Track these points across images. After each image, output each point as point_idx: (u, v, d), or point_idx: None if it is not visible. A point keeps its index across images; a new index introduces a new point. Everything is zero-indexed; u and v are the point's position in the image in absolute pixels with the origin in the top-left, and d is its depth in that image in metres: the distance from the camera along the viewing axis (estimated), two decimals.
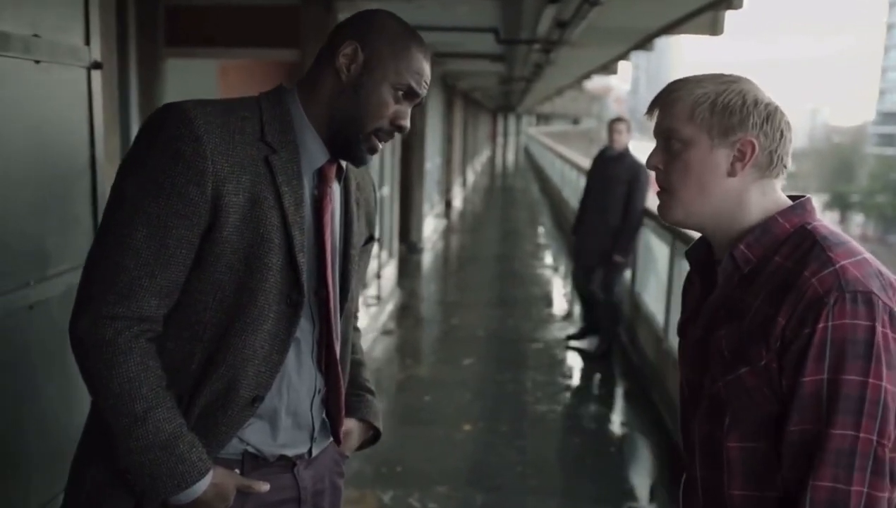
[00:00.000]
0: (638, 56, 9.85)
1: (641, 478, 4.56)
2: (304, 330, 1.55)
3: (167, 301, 1.43)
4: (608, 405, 5.53)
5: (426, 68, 1.54)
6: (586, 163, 9.65)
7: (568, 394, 5.60)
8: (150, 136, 1.43)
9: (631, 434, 5.06)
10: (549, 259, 11.54)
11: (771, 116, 1.31)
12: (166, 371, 1.45)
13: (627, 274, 6.71)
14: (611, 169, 6.12)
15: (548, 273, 10.47)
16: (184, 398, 1.47)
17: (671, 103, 1.35)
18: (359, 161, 1.56)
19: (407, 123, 1.54)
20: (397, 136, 1.58)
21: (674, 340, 5.14)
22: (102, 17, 2.29)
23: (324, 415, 1.66)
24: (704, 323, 1.38)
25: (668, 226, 5.53)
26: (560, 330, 7.35)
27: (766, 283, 1.28)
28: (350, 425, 1.74)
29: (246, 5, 5.05)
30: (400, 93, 1.51)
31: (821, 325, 1.20)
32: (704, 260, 1.44)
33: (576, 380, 5.87)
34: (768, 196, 1.35)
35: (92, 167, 2.29)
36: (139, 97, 4.74)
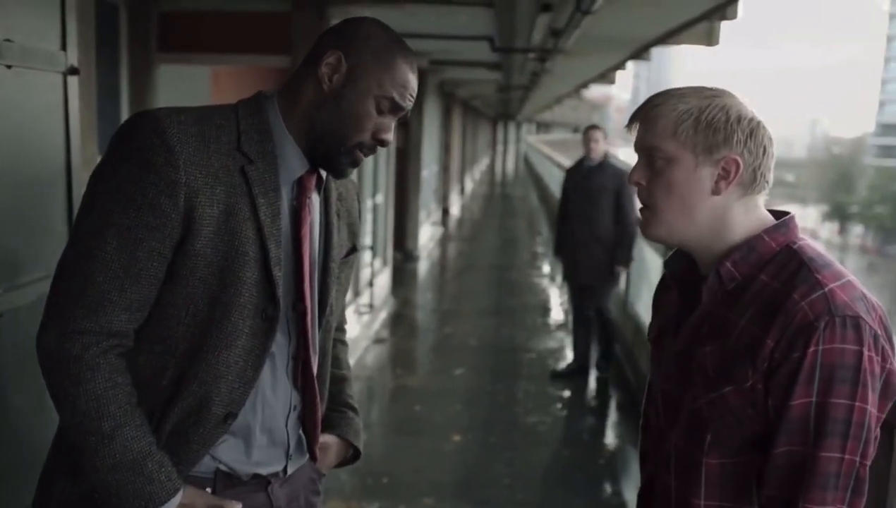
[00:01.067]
0: (638, 65, 9.86)
1: (632, 493, 4.51)
2: (280, 345, 1.51)
3: (138, 315, 1.40)
4: (600, 417, 5.49)
5: (412, 81, 1.49)
6: None
7: (560, 405, 5.56)
8: (122, 145, 1.40)
9: (623, 447, 5.02)
10: (546, 268, 11.50)
11: (754, 132, 1.30)
12: (136, 386, 1.41)
13: (621, 284, 6.58)
14: (593, 179, 5.81)
15: (544, 282, 10.43)
16: (154, 414, 1.43)
17: (653, 119, 1.33)
18: (339, 174, 1.53)
19: (389, 137, 1.50)
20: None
21: None
22: (80, 22, 2.26)
23: (300, 432, 1.62)
24: (686, 338, 1.37)
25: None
26: (555, 340, 7.31)
27: (752, 302, 1.28)
28: (328, 441, 1.70)
29: (238, 11, 5.04)
30: (383, 105, 1.46)
31: (811, 349, 1.20)
32: (684, 273, 1.43)
33: (568, 391, 5.81)
34: (752, 213, 1.33)
35: (67, 174, 2.25)
36: (130, 103, 4.72)
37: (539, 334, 7.58)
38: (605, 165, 5.82)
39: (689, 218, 1.32)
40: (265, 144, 1.46)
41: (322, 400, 1.63)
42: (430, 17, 5.57)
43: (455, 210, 17.68)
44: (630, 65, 9.83)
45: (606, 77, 11.65)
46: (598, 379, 6.05)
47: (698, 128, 1.29)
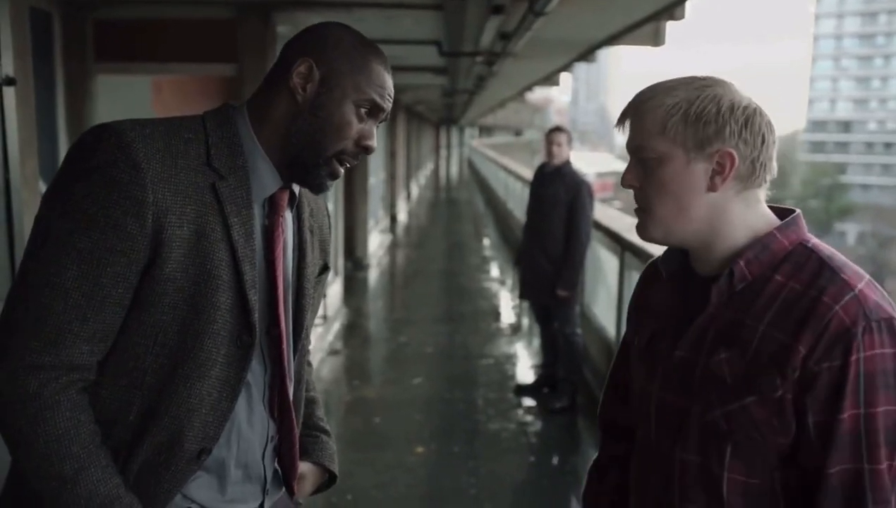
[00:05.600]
0: (576, 67, 9.90)
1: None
2: (255, 373, 1.42)
3: (101, 346, 1.28)
4: (561, 420, 5.42)
5: (388, 80, 1.42)
6: (529, 173, 9.59)
7: (520, 411, 5.49)
8: (81, 162, 1.27)
9: (586, 451, 4.98)
10: (495, 271, 11.48)
11: (749, 120, 1.22)
12: (100, 423, 1.30)
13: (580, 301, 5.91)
14: (548, 187, 5.24)
15: (494, 286, 10.40)
16: (121, 453, 1.32)
17: (641, 115, 1.26)
18: (318, 188, 1.43)
19: (373, 143, 1.41)
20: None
21: None
22: (14, 29, 2.10)
23: (276, 464, 1.52)
24: (691, 344, 1.28)
25: (616, 236, 5.48)
26: (510, 345, 7.26)
27: (770, 305, 1.21)
28: (304, 469, 1.61)
29: (180, 18, 4.87)
30: (363, 110, 1.38)
31: (853, 358, 1.14)
32: (678, 272, 1.35)
33: (529, 397, 5.75)
34: (752, 208, 1.27)
35: (6, 192, 2.10)
36: (67, 116, 4.51)
37: (494, 339, 7.52)
38: (563, 172, 5.24)
39: (685, 217, 1.25)
40: (236, 159, 1.36)
41: (298, 429, 1.54)
42: (378, 22, 5.48)
43: (402, 216, 17.58)
44: (573, 66, 9.88)
45: (551, 79, 11.70)
46: (557, 408, 5.35)
47: (688, 122, 1.22)
